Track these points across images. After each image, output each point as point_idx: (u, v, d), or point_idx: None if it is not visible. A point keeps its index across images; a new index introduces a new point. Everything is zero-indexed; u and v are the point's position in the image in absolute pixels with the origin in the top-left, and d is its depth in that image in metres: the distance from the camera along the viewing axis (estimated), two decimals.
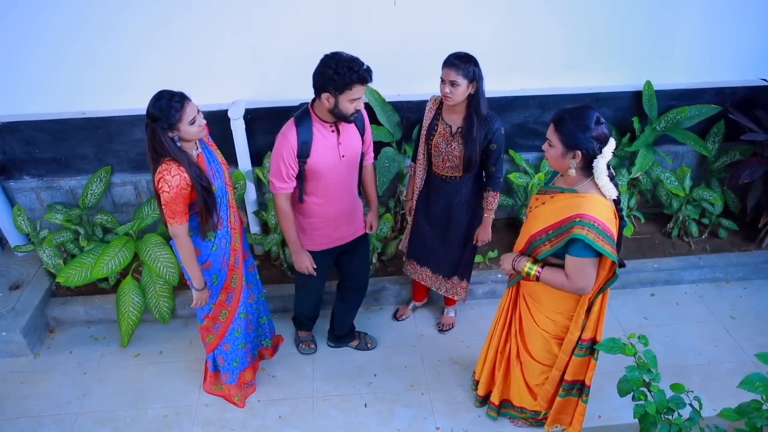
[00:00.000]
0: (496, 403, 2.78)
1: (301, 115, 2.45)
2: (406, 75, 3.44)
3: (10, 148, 3.46)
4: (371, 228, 2.97)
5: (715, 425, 1.94)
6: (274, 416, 2.94)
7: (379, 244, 3.60)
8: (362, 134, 2.63)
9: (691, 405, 1.95)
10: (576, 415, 2.57)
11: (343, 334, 3.27)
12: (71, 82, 3.30)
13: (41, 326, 3.41)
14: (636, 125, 3.69)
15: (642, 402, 1.95)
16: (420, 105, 2.80)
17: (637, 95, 3.70)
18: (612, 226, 2.04)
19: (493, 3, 3.32)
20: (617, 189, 2.07)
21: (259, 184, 3.65)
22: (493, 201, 2.87)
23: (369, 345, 3.32)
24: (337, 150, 2.50)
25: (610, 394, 2.84)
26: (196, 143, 2.38)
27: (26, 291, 3.46)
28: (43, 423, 2.92)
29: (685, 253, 3.85)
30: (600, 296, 2.24)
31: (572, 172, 2.05)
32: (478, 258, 3.64)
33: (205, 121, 2.31)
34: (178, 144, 2.27)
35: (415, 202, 3.02)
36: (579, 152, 1.99)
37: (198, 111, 2.28)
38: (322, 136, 2.45)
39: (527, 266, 2.23)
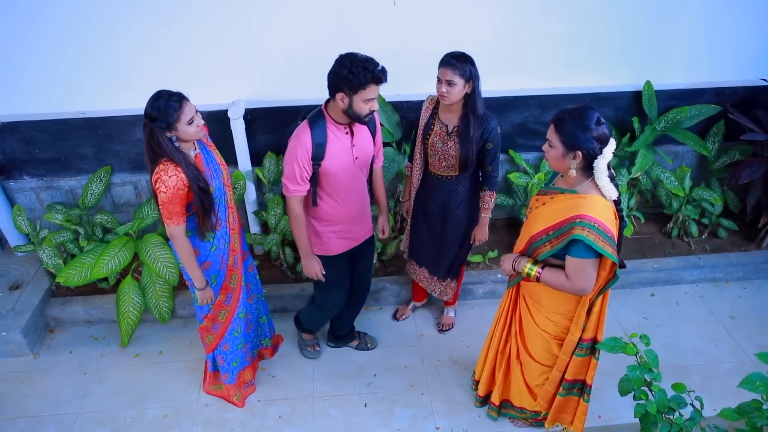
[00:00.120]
0: (497, 403, 2.78)
1: (315, 116, 2.42)
2: (406, 75, 3.43)
3: (10, 148, 3.46)
4: (383, 232, 2.98)
5: (716, 425, 1.94)
6: (274, 416, 2.94)
7: (379, 244, 3.60)
8: (374, 136, 2.62)
9: (692, 405, 1.95)
10: (578, 414, 2.57)
11: (343, 335, 3.27)
12: (71, 82, 3.30)
13: (41, 326, 3.41)
14: (636, 125, 3.69)
15: (643, 401, 1.95)
16: (420, 105, 2.81)
17: (637, 95, 3.70)
18: (612, 227, 2.04)
19: (493, 3, 3.32)
20: (617, 189, 2.08)
21: (259, 184, 3.65)
22: (489, 200, 2.87)
23: (369, 345, 3.32)
24: (351, 152, 2.49)
25: (611, 393, 2.84)
26: (194, 144, 2.38)
27: (26, 291, 3.46)
28: (43, 423, 2.92)
29: (685, 253, 3.85)
30: (600, 297, 2.24)
31: (573, 172, 2.05)
32: (478, 258, 3.64)
33: (203, 122, 2.31)
34: (176, 144, 2.26)
35: (412, 203, 3.02)
36: (579, 153, 1.99)
37: (196, 111, 2.27)
38: (336, 137, 2.43)
39: (527, 267, 2.23)
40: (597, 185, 2.06)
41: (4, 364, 3.24)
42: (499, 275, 3.63)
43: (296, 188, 2.46)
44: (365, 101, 2.29)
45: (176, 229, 2.33)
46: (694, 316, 3.53)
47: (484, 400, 2.90)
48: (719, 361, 3.22)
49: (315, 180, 2.48)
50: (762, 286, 3.76)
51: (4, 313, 3.28)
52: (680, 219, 3.88)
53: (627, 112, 3.77)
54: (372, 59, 2.26)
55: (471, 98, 2.57)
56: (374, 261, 3.64)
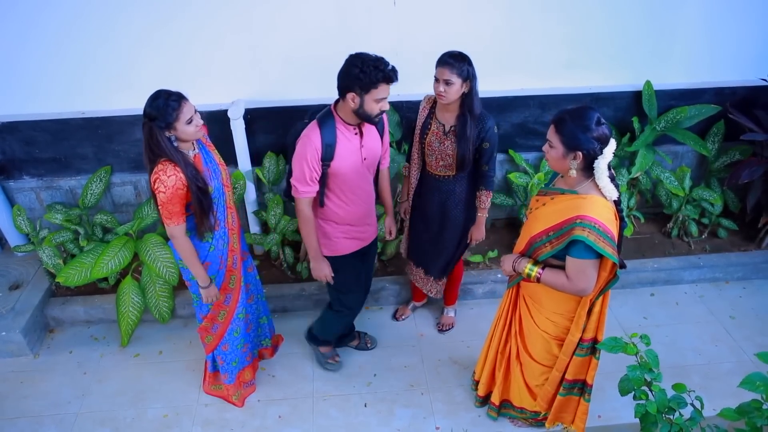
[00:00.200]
0: (497, 403, 2.78)
1: (324, 116, 2.41)
2: (406, 75, 3.39)
3: (10, 148, 3.46)
4: (390, 233, 2.97)
5: (716, 425, 1.94)
6: (273, 416, 2.94)
7: (378, 244, 3.59)
8: (381, 137, 2.61)
9: (692, 405, 1.95)
10: (579, 414, 2.58)
11: (343, 334, 3.27)
12: (71, 82, 3.30)
13: (41, 326, 3.41)
14: (636, 125, 3.69)
15: (643, 401, 1.95)
16: (419, 105, 2.82)
17: (637, 95, 3.70)
18: (612, 228, 2.04)
19: (493, 3, 3.32)
20: (617, 190, 2.08)
21: (259, 184, 3.65)
22: (486, 200, 2.87)
23: (369, 345, 3.32)
24: (360, 153, 2.48)
25: (611, 393, 2.84)
26: (193, 144, 2.37)
27: (26, 291, 3.46)
28: (42, 423, 2.92)
29: (684, 253, 3.85)
30: (601, 297, 2.24)
31: (573, 173, 2.05)
32: (478, 258, 3.64)
33: (202, 122, 2.30)
34: (175, 144, 2.26)
35: (410, 203, 3.02)
36: (580, 153, 1.99)
37: (195, 111, 2.27)
38: (345, 138, 2.42)
39: (528, 267, 2.23)
40: (597, 186, 2.06)
41: (4, 364, 3.24)
42: (499, 275, 3.63)
43: (306, 189, 2.43)
44: (376, 101, 2.29)
45: (176, 228, 2.33)
46: (694, 316, 3.53)
47: (484, 400, 2.90)
48: (719, 361, 3.22)
49: (323, 180, 2.47)
50: (762, 286, 3.76)
51: (4, 313, 3.28)
52: (680, 219, 3.88)
53: (627, 112, 3.77)
54: (383, 59, 2.26)
55: (468, 98, 2.57)
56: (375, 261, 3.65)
